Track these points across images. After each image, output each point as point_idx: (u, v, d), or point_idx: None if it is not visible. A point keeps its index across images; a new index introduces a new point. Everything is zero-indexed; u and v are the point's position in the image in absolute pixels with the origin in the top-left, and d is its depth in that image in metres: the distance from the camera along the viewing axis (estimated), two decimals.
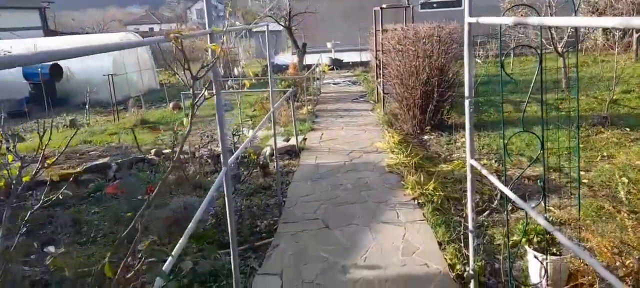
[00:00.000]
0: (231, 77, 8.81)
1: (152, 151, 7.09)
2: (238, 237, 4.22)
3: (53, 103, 13.36)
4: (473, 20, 2.51)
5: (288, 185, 5.58)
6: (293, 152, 6.87)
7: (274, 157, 6.75)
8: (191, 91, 1.96)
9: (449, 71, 8.01)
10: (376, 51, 10.57)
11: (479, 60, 15.35)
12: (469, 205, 2.80)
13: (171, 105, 11.51)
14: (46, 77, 13.89)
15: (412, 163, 5.91)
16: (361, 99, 11.52)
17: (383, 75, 9.36)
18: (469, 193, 2.77)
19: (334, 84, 14.87)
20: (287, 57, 21.94)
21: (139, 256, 1.66)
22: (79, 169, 6.54)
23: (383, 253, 3.66)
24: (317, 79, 14.14)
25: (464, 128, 2.61)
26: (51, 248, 3.54)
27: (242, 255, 3.99)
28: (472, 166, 2.71)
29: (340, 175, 5.71)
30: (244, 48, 19.57)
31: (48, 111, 12.59)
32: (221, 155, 2.73)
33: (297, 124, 8.54)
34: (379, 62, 10.00)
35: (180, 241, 2.02)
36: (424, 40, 7.77)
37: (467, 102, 2.63)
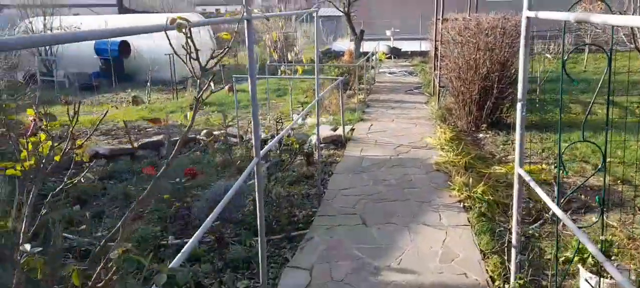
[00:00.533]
0: (284, 63, 8.81)
1: (203, 132, 7.28)
2: (276, 225, 4.22)
3: (120, 79, 14.16)
4: (532, 14, 2.27)
5: (330, 175, 5.51)
6: (339, 142, 6.77)
7: (320, 146, 6.71)
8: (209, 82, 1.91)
9: (512, 66, 7.50)
10: (435, 41, 10.15)
11: (549, 56, 14.34)
12: (513, 217, 2.57)
13: (227, 87, 11.77)
14: (115, 54, 14.72)
15: (462, 163, 5.61)
16: (416, 91, 11.16)
17: (440, 68, 8.97)
18: (514, 205, 2.55)
19: (389, 73, 14.52)
20: (345, 44, 21.73)
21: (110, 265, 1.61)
22: (135, 145, 6.86)
23: (419, 258, 3.50)
24: (373, 67, 13.86)
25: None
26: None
27: (278, 244, 3.98)
28: (520, 176, 2.48)
29: (385, 170, 5.54)
30: (304, 33, 19.56)
31: (114, 86, 13.37)
32: (253, 147, 2.69)
33: (346, 114, 8.42)
34: (438, 53, 9.59)
35: (196, 233, 2.01)
36: (486, 32, 7.31)
37: (519, 106, 2.39)
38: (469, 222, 4.14)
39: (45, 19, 14.52)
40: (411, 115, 8.59)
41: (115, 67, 14.35)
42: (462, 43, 7.65)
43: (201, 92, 1.84)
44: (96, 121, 9.13)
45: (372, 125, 7.85)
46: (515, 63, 7.59)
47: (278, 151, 5.10)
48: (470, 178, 4.94)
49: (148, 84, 11.35)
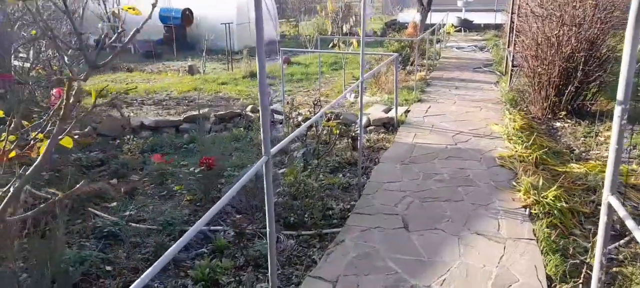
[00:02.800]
0: (338, 35, 8.22)
1: (249, 107, 6.98)
2: (308, 219, 3.80)
3: (182, 47, 14.30)
4: None
5: (376, 164, 4.96)
6: (390, 126, 6.15)
7: (369, 129, 6.14)
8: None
9: (603, 45, 6.38)
10: (511, 13, 9.01)
11: None
12: (597, 257, 1.92)
13: (282, 59, 11.42)
14: (177, 21, 14.87)
15: (531, 158, 4.82)
16: (486, 69, 10.10)
17: (515, 44, 7.93)
18: (599, 242, 1.89)
19: (457, 48, 13.40)
20: (412, 15, 20.51)
21: None
22: (180, 118, 6.71)
23: (468, 279, 2.91)
24: (439, 41, 12.83)
25: (611, 118, 1.69)
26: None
27: (307, 241, 3.56)
28: (609, 205, 1.81)
29: (438, 162, 4.89)
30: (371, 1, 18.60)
31: (175, 54, 13.51)
32: (262, 142, 2.24)
33: (403, 93, 7.73)
34: (513, 27, 8.50)
35: (198, 221, 1.62)
36: (574, 4, 6.23)
37: (617, 110, 1.70)
38: (535, 235, 3.45)
39: None
40: (476, 97, 7.71)
41: (178, 35, 14.49)
42: (544, 16, 6.60)
43: None
44: (151, 89, 9.19)
45: (430, 107, 7.11)
46: (607, 41, 6.44)
47: (317, 133, 4.62)
48: (541, 179, 4.17)
49: (204, 53, 11.27)
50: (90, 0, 14.97)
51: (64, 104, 1.78)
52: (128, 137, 5.85)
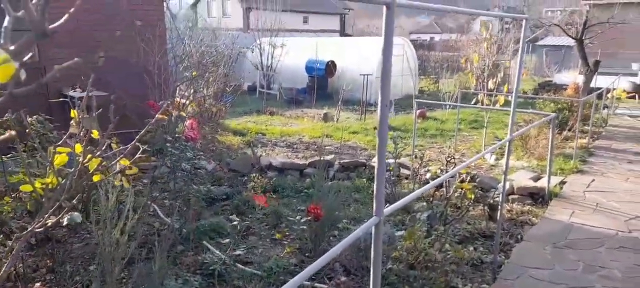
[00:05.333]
0: (483, 90, 7.49)
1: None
2: None
3: (323, 96, 14.87)
4: None
5: (518, 242, 4.10)
6: (540, 197, 5.16)
7: (511, 197, 5.26)
8: None
9: None
10: None
11: None
12: None
13: (418, 112, 10.96)
14: (321, 72, 15.60)
15: None
16: None
17: None
18: None
19: (630, 116, 11.33)
20: (571, 77, 18.29)
21: None
22: (305, 162, 6.67)
23: None
24: (606, 106, 11.01)
25: None
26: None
27: None
28: None
29: (605, 252, 3.82)
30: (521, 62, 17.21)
31: (314, 102, 14.05)
32: (374, 200, 1.84)
33: (558, 161, 6.59)
34: None
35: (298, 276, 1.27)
36: None
37: None
38: None
39: (270, 38, 16.42)
40: None
41: (320, 84, 15.17)
42: None
43: None
44: (286, 132, 9.54)
45: (593, 181, 5.86)
46: None
47: (447, 194, 4.02)
48: None
49: (339, 102, 11.44)
50: (250, 50, 16.75)
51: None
52: (255, 175, 5.96)
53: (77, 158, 1.72)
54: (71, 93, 5.97)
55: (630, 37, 16.47)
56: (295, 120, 11.36)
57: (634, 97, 14.49)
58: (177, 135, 3.91)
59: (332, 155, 6.93)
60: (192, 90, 8.55)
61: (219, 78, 9.70)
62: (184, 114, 4.51)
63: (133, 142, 1.77)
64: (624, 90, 14.02)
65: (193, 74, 8.61)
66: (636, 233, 4.22)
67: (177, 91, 8.64)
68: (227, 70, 10.45)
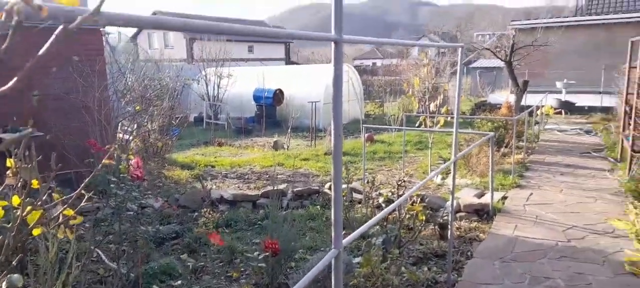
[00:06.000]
0: (425, 113, 7.83)
1: (327, 185, 6.69)
2: None
3: (271, 124, 14.85)
4: None
5: (469, 258, 4.26)
6: (484, 213, 5.42)
7: (459, 215, 5.47)
8: None
9: None
10: (626, 94, 8.00)
11: None
12: None
13: (366, 136, 11.22)
14: (269, 101, 15.61)
15: None
16: (595, 154, 8.92)
17: (634, 127, 6.90)
18: None
19: (559, 130, 12.23)
20: (503, 96, 19.54)
21: None
22: (258, 193, 6.59)
23: None
24: (537, 123, 11.83)
25: None
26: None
27: None
28: None
29: (547, 263, 4.05)
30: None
31: (263, 131, 14.00)
32: (332, 231, 1.85)
33: (498, 177, 6.96)
34: (630, 109, 7.48)
35: None
36: None
37: None
38: None
39: (216, 68, 16.28)
40: (588, 185, 6.66)
41: (268, 113, 15.16)
42: None
43: None
44: (236, 163, 9.38)
45: (531, 194, 6.24)
46: None
47: (400, 217, 4.11)
48: None
49: (289, 130, 11.48)
50: (196, 81, 16.49)
51: None
52: (205, 209, 5.80)
53: (14, 212, 1.61)
54: (1, 135, 5.57)
55: (553, 58, 17.95)
56: (245, 149, 11.23)
57: (560, 113, 15.67)
58: (121, 175, 3.73)
59: (285, 184, 6.90)
60: (135, 126, 8.26)
61: (164, 111, 9.45)
62: (127, 155, 4.31)
63: (78, 190, 1.68)
64: (551, 107, 15.12)
65: (136, 108, 8.32)
66: (574, 243, 4.52)
67: (120, 127, 8.31)
68: (173, 102, 10.21)
